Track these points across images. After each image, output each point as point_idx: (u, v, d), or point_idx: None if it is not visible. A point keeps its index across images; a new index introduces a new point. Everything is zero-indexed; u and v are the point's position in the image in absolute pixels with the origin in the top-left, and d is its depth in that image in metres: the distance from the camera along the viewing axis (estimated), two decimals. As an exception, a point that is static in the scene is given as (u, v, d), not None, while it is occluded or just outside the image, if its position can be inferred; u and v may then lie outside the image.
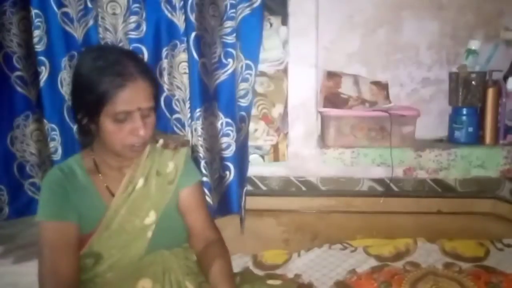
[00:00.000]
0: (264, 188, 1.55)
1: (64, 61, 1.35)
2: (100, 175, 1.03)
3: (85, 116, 0.96)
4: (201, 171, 1.28)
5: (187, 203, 1.11)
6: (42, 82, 1.35)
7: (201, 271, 1.05)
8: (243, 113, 1.37)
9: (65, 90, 1.37)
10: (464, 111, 1.46)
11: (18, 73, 1.43)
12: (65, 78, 1.36)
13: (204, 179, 1.30)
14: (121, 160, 1.03)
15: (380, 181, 1.51)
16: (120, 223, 1.00)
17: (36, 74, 1.37)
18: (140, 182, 1.04)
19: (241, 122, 1.38)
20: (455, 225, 1.46)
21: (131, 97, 0.92)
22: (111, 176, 1.04)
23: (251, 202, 1.48)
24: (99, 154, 1.03)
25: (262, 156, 1.49)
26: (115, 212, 1.00)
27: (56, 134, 1.39)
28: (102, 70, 0.92)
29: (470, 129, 1.46)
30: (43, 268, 0.93)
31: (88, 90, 0.92)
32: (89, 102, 0.93)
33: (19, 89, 1.44)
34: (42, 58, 1.33)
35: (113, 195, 1.02)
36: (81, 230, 0.98)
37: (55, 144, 1.39)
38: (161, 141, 1.11)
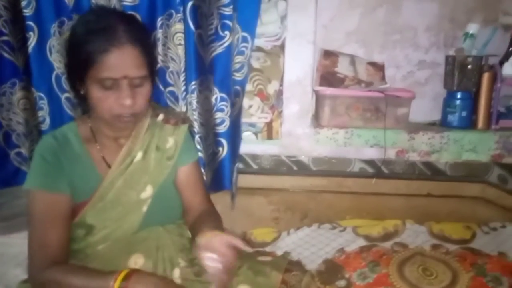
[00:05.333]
0: (255, 166, 1.54)
1: (54, 27, 1.30)
2: (96, 144, 0.99)
3: (75, 80, 0.93)
4: (195, 146, 1.26)
5: (185, 181, 1.09)
6: (30, 49, 1.29)
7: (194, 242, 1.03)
8: (237, 87, 1.35)
9: (54, 57, 1.32)
10: (459, 95, 1.46)
11: (4, 37, 1.37)
12: (54, 45, 1.31)
13: (199, 154, 1.28)
14: (116, 129, 0.99)
15: (371, 162, 1.52)
16: (115, 195, 0.97)
17: (24, 40, 1.31)
18: (139, 155, 1.01)
19: (235, 97, 1.35)
20: (444, 208, 1.48)
21: (116, 63, 0.86)
22: (107, 146, 1.00)
23: (242, 180, 1.47)
24: (95, 122, 0.99)
25: (256, 134, 1.48)
26: (111, 183, 0.97)
27: (44, 103, 1.35)
28: (90, 33, 0.88)
29: (464, 113, 1.46)
30: (32, 240, 0.90)
31: (75, 52, 0.89)
32: (75, 65, 0.90)
33: (5, 54, 1.38)
34: (31, 23, 1.27)
35: (109, 166, 0.99)
36: (74, 200, 0.95)
37: (43, 114, 1.36)
38: (161, 116, 1.07)
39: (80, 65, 0.88)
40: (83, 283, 0.84)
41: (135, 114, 0.93)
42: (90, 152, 0.99)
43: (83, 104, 0.99)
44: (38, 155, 0.95)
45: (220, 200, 1.42)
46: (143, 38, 0.93)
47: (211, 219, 1.02)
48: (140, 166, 1.01)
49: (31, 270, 0.90)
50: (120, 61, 0.87)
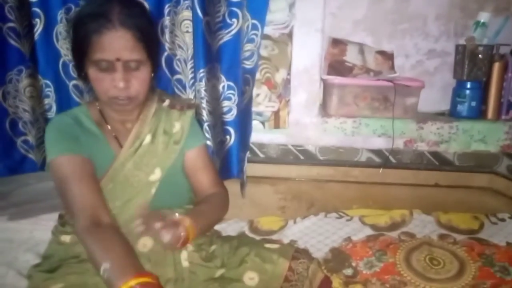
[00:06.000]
0: (262, 155, 1.54)
1: (61, 14, 1.29)
2: (107, 125, 1.02)
3: (79, 64, 0.96)
4: (202, 131, 1.26)
5: (193, 165, 1.10)
6: (36, 36, 1.29)
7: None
8: (247, 75, 1.33)
9: (61, 44, 1.31)
10: (468, 84, 1.45)
11: (10, 24, 1.36)
12: (61, 32, 1.30)
13: (208, 142, 1.28)
14: (119, 113, 1.01)
15: (378, 152, 1.51)
16: (125, 176, 0.99)
17: (30, 27, 1.30)
18: (148, 138, 1.03)
19: (245, 85, 1.34)
20: (452, 198, 1.47)
21: (109, 45, 0.89)
22: (117, 129, 1.03)
23: (249, 169, 1.46)
24: (103, 105, 1.02)
25: (263, 123, 1.47)
26: (122, 165, 0.99)
27: (50, 91, 1.35)
28: (87, 16, 0.91)
29: (473, 103, 1.45)
30: (73, 200, 0.89)
31: (74, 34, 0.94)
32: (75, 47, 0.95)
33: (11, 41, 1.37)
34: (37, 9, 1.27)
35: (121, 146, 1.01)
36: None
37: (50, 101, 1.36)
38: (167, 101, 1.10)
39: (78, 47, 0.93)
40: (107, 261, 0.80)
41: (131, 97, 0.95)
42: (102, 131, 1.01)
43: (92, 90, 1.01)
44: (53, 129, 0.97)
45: (227, 188, 1.43)
46: (138, 22, 0.93)
47: (203, 205, 1.06)
48: (149, 149, 1.03)
49: (76, 228, 0.88)
50: (112, 43, 0.89)
